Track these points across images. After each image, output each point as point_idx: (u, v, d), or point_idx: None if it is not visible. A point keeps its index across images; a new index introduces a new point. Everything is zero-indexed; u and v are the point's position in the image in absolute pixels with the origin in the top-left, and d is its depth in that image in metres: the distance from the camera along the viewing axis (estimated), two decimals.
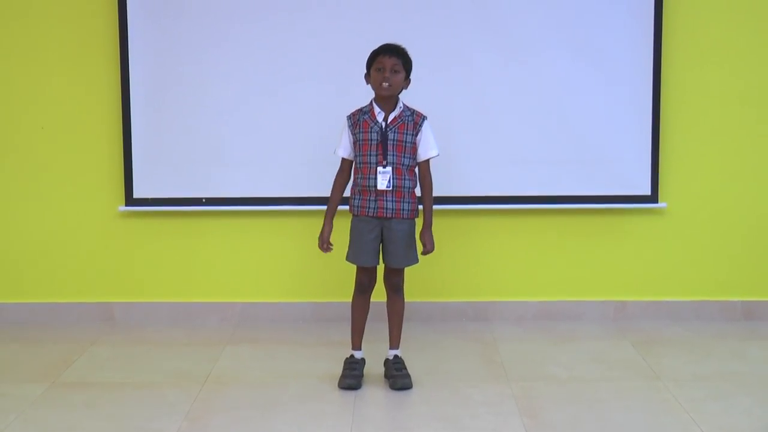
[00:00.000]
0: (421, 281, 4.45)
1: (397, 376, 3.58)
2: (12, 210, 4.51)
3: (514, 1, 4.29)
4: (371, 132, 3.54)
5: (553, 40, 4.31)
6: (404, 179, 3.56)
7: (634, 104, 4.35)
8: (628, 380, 3.68)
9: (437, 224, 4.42)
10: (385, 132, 3.54)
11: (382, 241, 3.60)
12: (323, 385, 3.63)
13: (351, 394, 3.53)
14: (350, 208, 3.63)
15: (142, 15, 4.31)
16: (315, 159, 4.21)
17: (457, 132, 4.35)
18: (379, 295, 3.72)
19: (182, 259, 4.53)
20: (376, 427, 3.25)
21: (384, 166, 3.53)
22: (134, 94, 4.35)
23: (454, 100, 4.34)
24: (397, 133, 3.54)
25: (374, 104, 3.58)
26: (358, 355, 3.69)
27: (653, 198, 4.41)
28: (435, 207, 4.34)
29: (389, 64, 3.51)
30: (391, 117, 3.55)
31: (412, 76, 3.58)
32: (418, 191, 3.65)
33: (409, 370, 3.64)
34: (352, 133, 3.59)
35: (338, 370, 3.68)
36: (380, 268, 3.68)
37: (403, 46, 3.57)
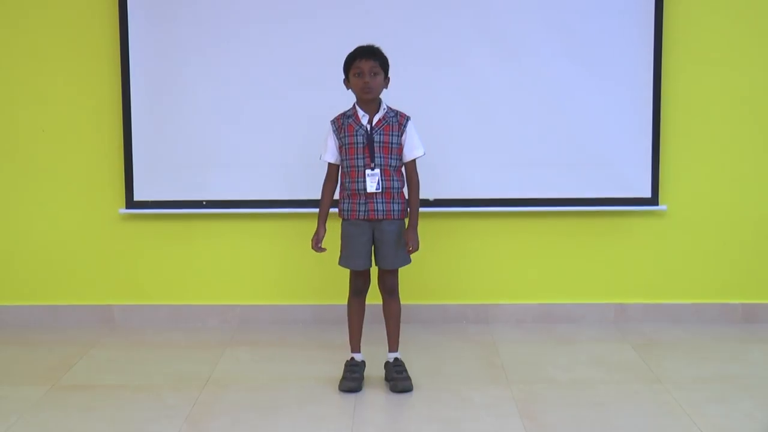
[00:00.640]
0: (421, 284, 4.46)
1: (398, 379, 3.58)
2: (12, 212, 4.51)
3: (514, 4, 4.30)
4: (357, 135, 3.55)
5: (553, 43, 4.31)
6: (392, 180, 3.57)
7: (635, 106, 4.34)
8: (628, 383, 3.67)
9: (438, 227, 4.44)
10: (370, 134, 3.54)
11: (374, 243, 3.60)
12: (323, 387, 3.63)
13: (351, 396, 3.53)
14: (339, 213, 3.63)
15: (142, 19, 4.31)
16: (316, 162, 4.16)
17: (457, 135, 4.35)
18: (377, 297, 3.71)
19: (182, 262, 4.53)
20: (377, 430, 3.25)
21: (372, 169, 3.53)
22: (135, 97, 4.35)
23: (454, 104, 4.34)
24: (383, 134, 3.55)
25: (357, 107, 3.58)
26: (358, 357, 3.69)
27: (653, 200, 4.41)
28: (435, 209, 4.38)
29: (367, 68, 3.50)
30: (375, 119, 3.56)
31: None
32: (405, 191, 3.65)
33: (410, 373, 3.63)
34: (337, 138, 3.59)
35: (338, 372, 3.68)
36: (375, 272, 3.68)
37: (377, 45, 3.57)
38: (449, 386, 3.63)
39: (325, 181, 3.67)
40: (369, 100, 3.55)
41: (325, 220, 3.65)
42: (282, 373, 3.84)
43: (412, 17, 4.30)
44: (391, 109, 3.60)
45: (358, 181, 3.54)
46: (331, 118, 3.63)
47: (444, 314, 4.53)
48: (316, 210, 3.68)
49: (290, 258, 4.49)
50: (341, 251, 3.64)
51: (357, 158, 3.54)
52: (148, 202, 4.44)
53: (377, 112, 3.57)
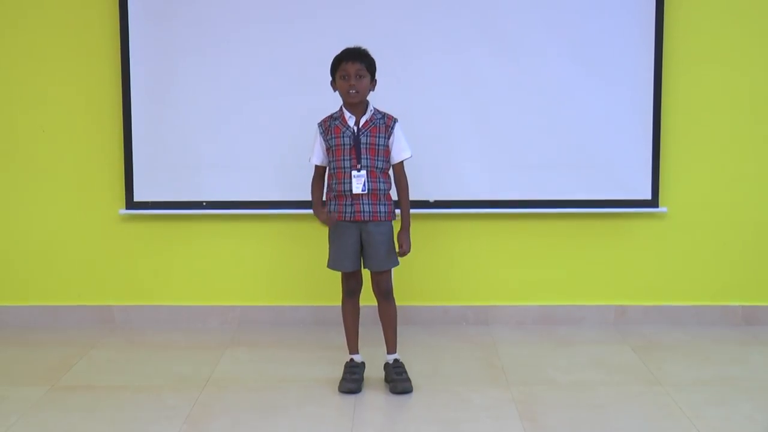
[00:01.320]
0: (421, 285, 4.46)
1: (397, 380, 3.57)
2: (12, 213, 4.51)
3: (514, 4, 4.29)
4: (343, 137, 3.55)
5: (553, 44, 4.31)
6: (379, 182, 3.57)
7: (635, 108, 4.34)
8: (628, 385, 3.67)
9: (438, 228, 4.44)
10: (357, 136, 3.54)
11: (362, 245, 3.60)
12: (323, 388, 3.63)
13: (351, 398, 3.53)
14: (334, 218, 3.63)
15: (142, 19, 4.32)
16: None
17: (456, 136, 4.35)
18: (372, 298, 3.71)
19: (182, 263, 4.53)
20: (376, 431, 3.25)
21: (358, 170, 3.54)
22: (135, 98, 4.36)
23: (454, 105, 4.34)
24: (370, 136, 3.55)
25: (344, 110, 3.59)
26: (357, 358, 3.69)
27: (654, 202, 4.40)
28: (435, 211, 4.38)
29: (353, 71, 3.51)
30: (362, 121, 3.56)
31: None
32: (393, 194, 3.65)
33: (409, 374, 3.63)
34: (324, 140, 3.60)
35: (338, 373, 3.68)
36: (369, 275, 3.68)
37: (364, 47, 3.57)
38: (449, 387, 3.63)
39: (313, 182, 3.70)
40: (355, 103, 3.55)
41: (321, 207, 3.66)
42: (282, 373, 3.83)
43: (411, 17, 4.30)
44: (378, 111, 3.61)
45: (344, 183, 3.55)
46: (318, 121, 3.63)
47: (444, 315, 4.53)
48: None
49: (290, 259, 4.49)
50: (329, 254, 3.64)
51: (343, 159, 3.55)
52: (148, 202, 4.43)
53: (364, 113, 3.57)
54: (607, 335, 4.36)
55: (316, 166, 3.67)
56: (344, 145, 3.55)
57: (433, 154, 4.30)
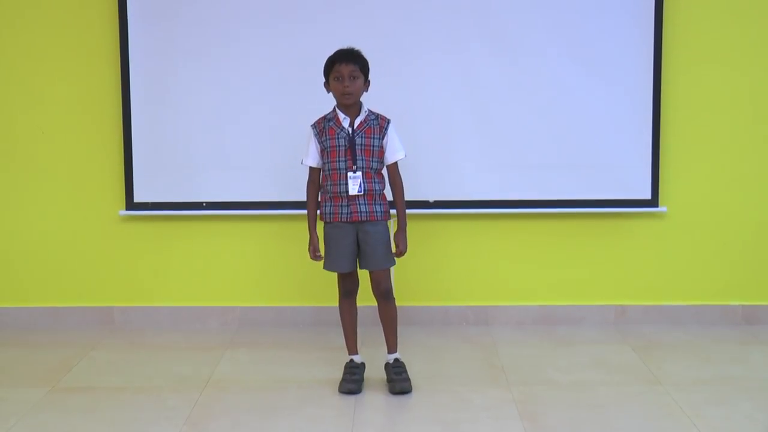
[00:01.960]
0: (421, 285, 4.45)
1: (396, 380, 3.57)
2: (12, 214, 4.51)
3: (514, 4, 4.29)
4: (338, 138, 3.55)
5: (553, 44, 4.30)
6: (374, 182, 3.57)
7: (635, 108, 4.34)
8: (628, 384, 3.67)
9: (438, 228, 4.44)
10: (352, 137, 3.54)
11: (358, 246, 3.60)
12: (323, 389, 3.62)
13: (351, 398, 3.53)
14: (321, 216, 3.63)
15: (142, 20, 4.32)
16: None
17: (456, 136, 4.35)
18: (371, 299, 3.71)
19: (182, 263, 4.53)
20: None
21: (354, 171, 3.53)
22: (134, 98, 4.36)
23: (454, 105, 4.34)
24: (364, 137, 3.55)
25: (338, 111, 3.59)
26: (357, 359, 3.69)
27: (653, 202, 4.40)
28: (435, 211, 4.38)
29: (347, 72, 3.50)
30: (357, 122, 3.56)
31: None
32: (387, 194, 3.65)
33: (410, 374, 3.63)
34: (318, 142, 3.60)
35: (338, 374, 3.68)
36: (364, 276, 3.68)
37: (357, 48, 3.56)
38: (449, 388, 3.63)
39: (308, 185, 3.68)
40: (349, 104, 3.55)
41: (315, 227, 3.67)
42: (282, 374, 3.83)
43: (411, 17, 4.30)
44: (371, 112, 3.61)
45: (340, 184, 3.54)
46: (312, 122, 3.63)
47: (444, 316, 4.53)
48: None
49: (290, 260, 4.49)
50: (325, 255, 3.64)
51: (339, 161, 3.55)
52: (148, 203, 4.43)
53: (358, 114, 3.57)
54: (608, 335, 4.36)
55: (311, 168, 3.67)
56: (339, 146, 3.55)
57: (432, 155, 4.30)
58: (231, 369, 3.91)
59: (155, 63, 4.35)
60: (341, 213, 3.57)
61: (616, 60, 4.32)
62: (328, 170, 3.58)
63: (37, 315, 4.55)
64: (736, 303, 4.52)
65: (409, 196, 3.72)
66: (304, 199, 3.71)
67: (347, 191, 3.54)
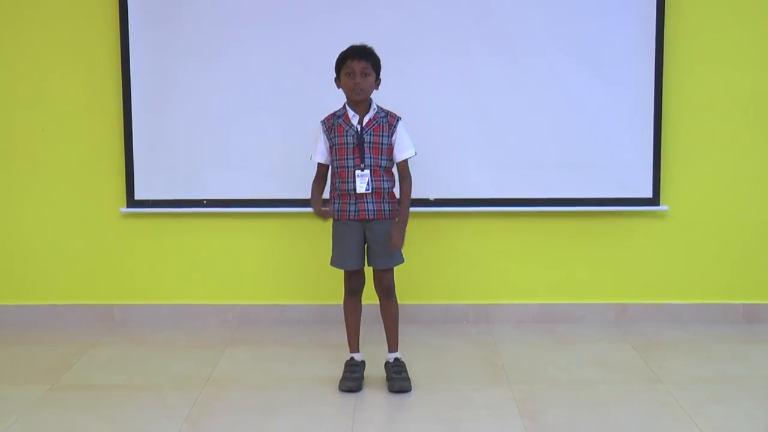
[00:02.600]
0: (421, 283, 4.45)
1: (395, 379, 3.57)
2: (13, 212, 4.51)
3: (515, 4, 4.29)
4: (347, 135, 3.54)
5: (554, 43, 4.30)
6: (383, 180, 3.56)
7: (636, 107, 4.34)
8: (629, 383, 3.67)
9: (438, 226, 4.44)
10: (360, 135, 3.53)
11: (366, 243, 3.59)
12: (323, 387, 3.62)
13: (351, 396, 3.53)
14: (330, 213, 3.62)
15: (142, 18, 4.31)
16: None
17: (457, 134, 4.35)
18: (375, 296, 3.71)
19: (183, 261, 4.52)
20: (377, 430, 3.25)
21: (362, 169, 3.53)
22: (135, 96, 4.35)
23: (455, 104, 4.34)
24: (373, 135, 3.54)
25: (347, 108, 3.58)
26: (357, 357, 3.69)
27: (655, 201, 4.40)
28: (436, 209, 4.38)
29: (358, 68, 3.49)
30: (365, 119, 3.55)
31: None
32: (397, 192, 3.63)
33: (410, 373, 3.63)
34: (327, 138, 3.59)
35: (338, 372, 3.67)
36: (370, 273, 3.67)
37: (370, 45, 3.56)
38: (450, 386, 3.63)
39: (315, 180, 3.68)
40: (359, 101, 3.54)
41: (319, 200, 3.65)
42: (282, 372, 3.83)
43: (412, 17, 4.29)
44: (381, 109, 3.60)
45: (348, 182, 3.54)
46: (321, 119, 3.62)
47: (445, 314, 4.52)
48: None
49: (291, 257, 4.49)
50: (333, 251, 3.64)
51: (347, 158, 3.54)
52: (148, 201, 4.43)
53: (368, 112, 3.56)
54: (608, 333, 4.36)
55: (319, 164, 3.66)
56: (347, 144, 3.54)
57: (433, 153, 4.29)
58: (231, 367, 3.91)
59: (156, 61, 4.34)
60: (349, 211, 3.56)
61: (617, 59, 4.31)
62: (337, 167, 3.58)
63: (37, 313, 4.55)
64: (737, 302, 4.52)
65: None
66: (305, 196, 3.71)
67: (355, 189, 3.53)
